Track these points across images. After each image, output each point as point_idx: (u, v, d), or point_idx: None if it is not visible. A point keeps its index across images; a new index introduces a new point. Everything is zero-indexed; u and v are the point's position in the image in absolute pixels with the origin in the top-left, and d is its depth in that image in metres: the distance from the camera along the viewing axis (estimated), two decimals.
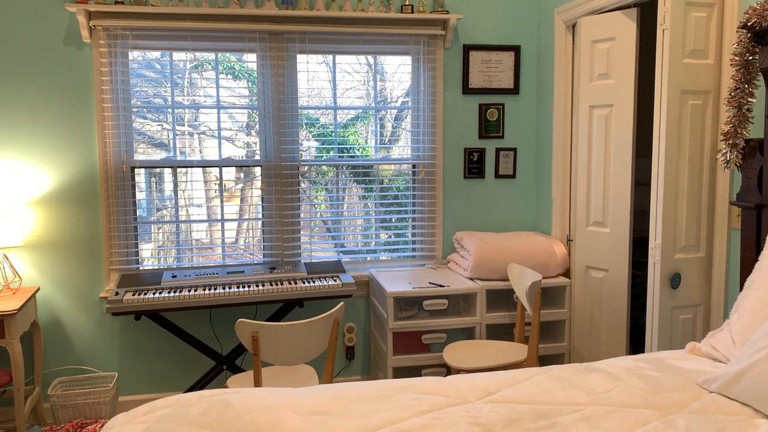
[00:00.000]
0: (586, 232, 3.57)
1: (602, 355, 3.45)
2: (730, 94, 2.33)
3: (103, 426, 2.87)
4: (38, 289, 3.52)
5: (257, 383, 2.68)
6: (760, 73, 2.29)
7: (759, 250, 2.34)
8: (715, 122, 2.68)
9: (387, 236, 4.21)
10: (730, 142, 2.34)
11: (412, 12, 3.83)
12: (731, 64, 2.31)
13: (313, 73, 3.91)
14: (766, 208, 2.31)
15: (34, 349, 3.53)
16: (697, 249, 2.73)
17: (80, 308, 3.70)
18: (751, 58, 2.27)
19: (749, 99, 2.31)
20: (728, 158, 2.36)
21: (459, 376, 2.16)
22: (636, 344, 3.66)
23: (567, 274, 3.75)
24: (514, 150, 4.14)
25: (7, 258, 3.42)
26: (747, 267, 2.38)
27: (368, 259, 4.13)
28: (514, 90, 4.09)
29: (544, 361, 3.65)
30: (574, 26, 3.67)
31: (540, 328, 3.33)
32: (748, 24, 2.21)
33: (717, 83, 2.66)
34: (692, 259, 2.73)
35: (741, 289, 2.29)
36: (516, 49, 4.06)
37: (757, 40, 2.24)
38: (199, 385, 3.61)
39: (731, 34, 2.55)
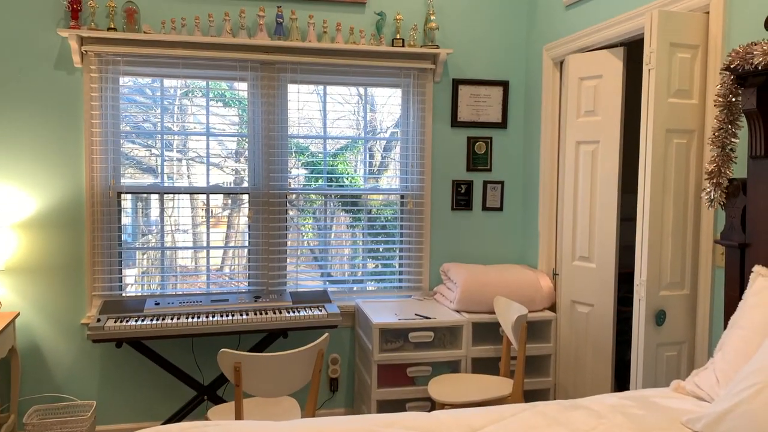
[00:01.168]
0: (572, 267, 3.58)
1: (587, 391, 3.43)
2: (714, 134, 2.36)
3: None
4: (18, 314, 3.46)
5: (238, 415, 2.63)
6: (742, 114, 2.33)
7: (743, 288, 2.35)
8: (700, 161, 2.72)
9: (374, 266, 4.20)
10: (714, 181, 2.37)
11: (403, 46, 3.88)
12: (715, 105, 2.36)
13: (304, 103, 3.93)
14: (750, 248, 2.33)
15: (11, 376, 3.46)
16: (682, 286, 2.75)
17: (61, 334, 3.64)
18: (734, 99, 2.31)
19: (732, 139, 2.35)
20: (712, 197, 2.38)
21: (444, 412, 2.14)
22: (621, 380, 3.65)
23: (553, 308, 3.74)
24: (502, 183, 4.17)
25: None
26: (731, 305, 2.39)
27: (354, 288, 4.11)
28: (502, 124, 4.13)
29: (530, 396, 3.62)
30: (562, 63, 3.73)
31: (525, 362, 3.31)
32: (731, 66, 2.25)
33: (701, 123, 2.71)
34: (677, 296, 2.74)
35: (725, 327, 2.30)
36: (504, 84, 4.12)
37: (740, 82, 2.29)
38: (179, 415, 3.54)
39: (715, 75, 2.60)
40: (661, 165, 2.68)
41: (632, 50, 3.33)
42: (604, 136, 3.38)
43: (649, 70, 2.67)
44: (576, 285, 3.56)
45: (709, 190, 2.39)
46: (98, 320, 3.26)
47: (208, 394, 3.58)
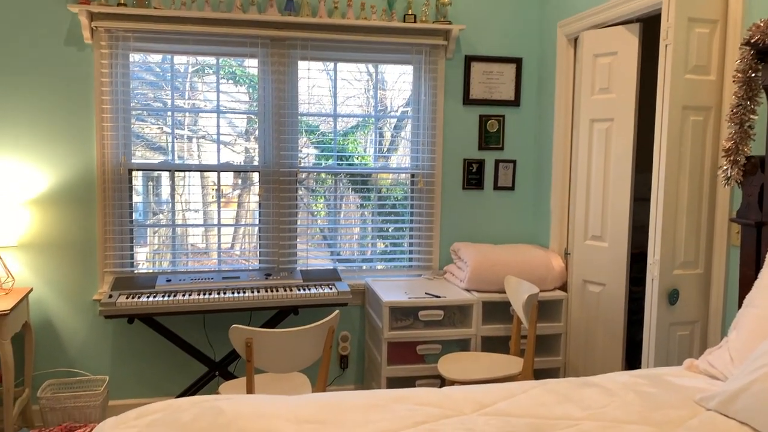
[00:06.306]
0: (584, 246, 3.56)
1: (598, 371, 3.42)
2: (732, 111, 2.32)
3: (92, 430, 2.83)
4: (31, 290, 3.49)
5: (250, 390, 2.65)
6: (762, 90, 2.28)
7: (759, 267, 2.33)
8: (716, 138, 2.67)
9: (384, 245, 4.19)
10: (731, 158, 2.33)
11: (415, 21, 3.83)
12: (733, 81, 2.31)
13: (314, 81, 3.90)
14: (767, 226, 2.30)
15: (25, 351, 3.49)
16: (696, 265, 2.72)
17: (73, 310, 3.67)
18: (753, 75, 2.27)
19: (751, 116, 2.30)
20: (729, 175, 2.34)
21: (454, 388, 2.14)
22: (632, 360, 3.63)
23: (564, 287, 3.73)
24: (514, 162, 4.13)
25: (0, 258, 3.39)
26: (746, 284, 2.36)
27: (364, 268, 4.11)
28: (515, 102, 4.09)
29: (540, 374, 3.62)
30: (576, 40, 3.67)
31: (536, 341, 3.30)
32: (752, 41, 2.20)
33: (719, 99, 2.66)
34: (691, 275, 2.71)
35: (740, 306, 2.28)
36: (518, 61, 4.06)
37: (760, 57, 2.24)
38: (191, 390, 3.57)
39: (734, 51, 2.55)
40: (676, 143, 2.64)
41: (648, 26, 3.27)
42: (618, 113, 3.34)
43: (666, 45, 2.62)
44: (588, 264, 3.54)
45: (726, 167, 2.35)
46: (110, 296, 3.28)
47: (220, 370, 3.61)
